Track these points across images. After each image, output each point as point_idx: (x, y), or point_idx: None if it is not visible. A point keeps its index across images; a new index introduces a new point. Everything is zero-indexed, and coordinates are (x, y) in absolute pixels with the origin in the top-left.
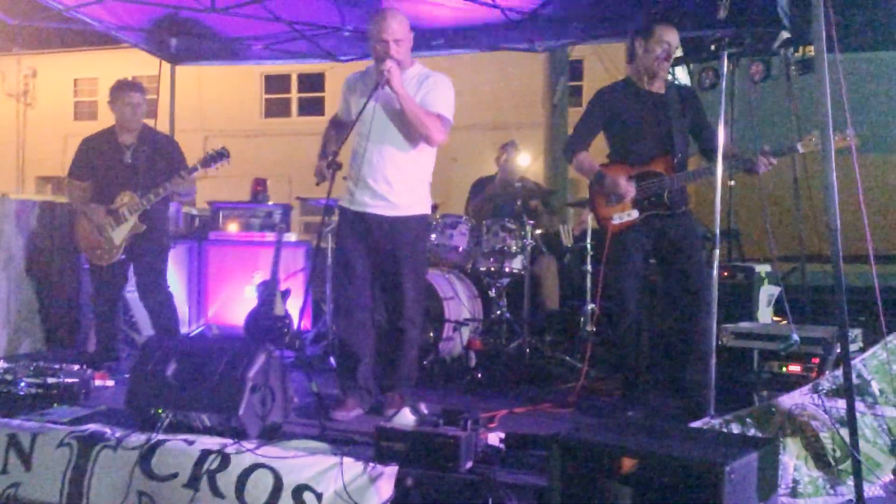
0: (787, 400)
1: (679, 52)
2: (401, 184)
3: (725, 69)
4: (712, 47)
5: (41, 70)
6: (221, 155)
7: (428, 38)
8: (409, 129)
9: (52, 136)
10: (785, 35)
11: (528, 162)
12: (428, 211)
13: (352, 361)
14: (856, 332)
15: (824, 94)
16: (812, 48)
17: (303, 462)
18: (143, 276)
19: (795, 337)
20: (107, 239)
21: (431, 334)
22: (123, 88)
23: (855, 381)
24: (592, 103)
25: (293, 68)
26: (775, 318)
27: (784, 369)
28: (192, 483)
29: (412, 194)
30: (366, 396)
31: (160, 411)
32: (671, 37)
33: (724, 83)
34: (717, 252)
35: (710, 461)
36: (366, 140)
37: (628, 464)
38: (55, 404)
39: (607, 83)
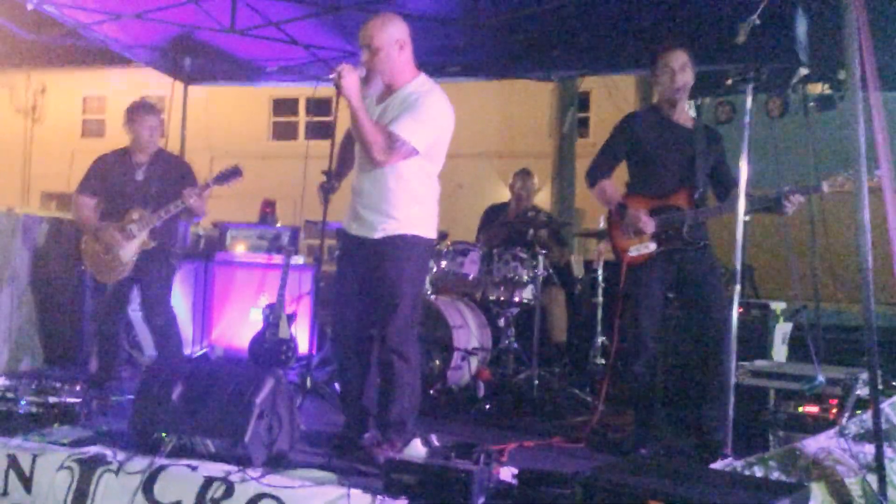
0: (813, 443)
1: None
2: (388, 203)
3: (750, 103)
4: (728, 81)
5: (50, 86)
6: (235, 172)
7: (444, 65)
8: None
9: (58, 153)
10: (803, 71)
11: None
12: (425, 234)
13: (351, 395)
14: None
15: (861, 132)
16: (828, 87)
17: (309, 492)
18: (149, 295)
19: (821, 378)
20: (114, 256)
21: (438, 362)
22: (141, 110)
23: (884, 425)
24: (617, 128)
25: (301, 92)
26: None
27: (801, 410)
28: None
29: (401, 214)
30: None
31: (164, 435)
32: (673, 59)
33: (748, 117)
34: (738, 288)
35: None
36: (358, 157)
37: None
38: (56, 424)
39: (614, 116)
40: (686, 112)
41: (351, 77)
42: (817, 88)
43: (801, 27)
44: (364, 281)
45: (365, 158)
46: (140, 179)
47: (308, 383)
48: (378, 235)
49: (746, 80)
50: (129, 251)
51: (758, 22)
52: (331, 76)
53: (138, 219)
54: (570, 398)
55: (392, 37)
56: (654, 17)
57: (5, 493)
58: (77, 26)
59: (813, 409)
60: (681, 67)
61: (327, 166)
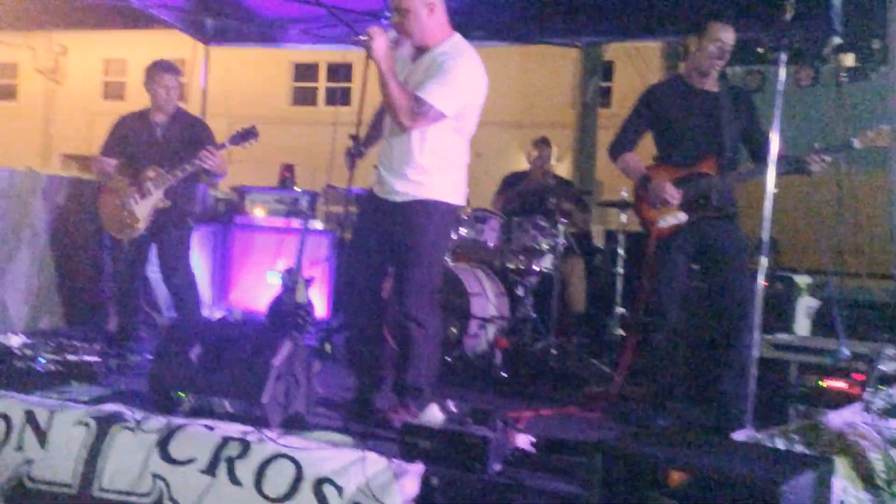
0: (837, 417)
1: None
2: (412, 166)
3: (783, 72)
4: (760, 50)
5: (72, 48)
6: (250, 133)
7: (466, 28)
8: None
9: (79, 115)
10: (836, 40)
11: (555, 161)
12: (448, 199)
13: (362, 358)
14: (893, 351)
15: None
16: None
17: (325, 454)
18: (166, 255)
19: (846, 352)
20: (129, 213)
21: (455, 330)
22: (159, 69)
23: None
24: (640, 101)
25: (322, 57)
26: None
27: (823, 384)
28: (210, 469)
29: (425, 179)
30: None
31: (182, 394)
32: (726, 34)
33: (780, 85)
34: (765, 260)
35: (765, 479)
36: (387, 121)
37: (677, 477)
38: (74, 382)
39: (638, 86)
40: (714, 79)
41: (381, 40)
42: (848, 59)
43: None
44: (382, 244)
45: (393, 122)
46: (158, 139)
47: (327, 348)
48: (399, 199)
49: (780, 49)
50: (144, 208)
51: None
52: (361, 38)
53: (154, 176)
54: (587, 368)
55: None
56: None
57: (20, 447)
58: None
59: (836, 383)
60: (728, 45)
61: (353, 132)
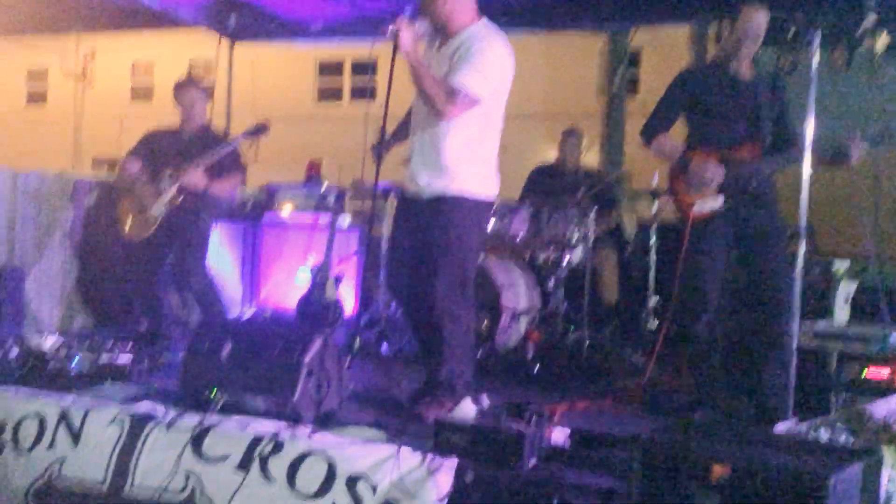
0: (883, 406)
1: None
2: (441, 160)
3: (817, 54)
4: (792, 31)
5: (99, 51)
6: (262, 128)
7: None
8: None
9: (108, 118)
10: (872, 17)
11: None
12: (479, 192)
13: (425, 355)
14: None
15: None
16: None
17: (358, 451)
18: (180, 254)
19: (893, 338)
20: (144, 213)
21: (487, 323)
22: (182, 86)
23: None
24: (673, 85)
25: (347, 53)
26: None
27: (865, 373)
28: (243, 466)
29: (454, 172)
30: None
31: (214, 393)
32: (759, 17)
33: (814, 68)
34: (803, 245)
35: (811, 472)
36: (416, 113)
37: (718, 471)
38: (108, 382)
39: (665, 74)
40: (749, 64)
41: (409, 32)
42: (882, 40)
43: None
44: (417, 240)
45: (421, 115)
46: (182, 145)
47: (357, 344)
48: (428, 195)
49: (811, 31)
50: (159, 205)
51: None
52: (389, 30)
53: (171, 173)
54: (621, 360)
55: None
56: None
57: (51, 446)
58: None
59: (880, 372)
60: (763, 27)
61: (380, 127)
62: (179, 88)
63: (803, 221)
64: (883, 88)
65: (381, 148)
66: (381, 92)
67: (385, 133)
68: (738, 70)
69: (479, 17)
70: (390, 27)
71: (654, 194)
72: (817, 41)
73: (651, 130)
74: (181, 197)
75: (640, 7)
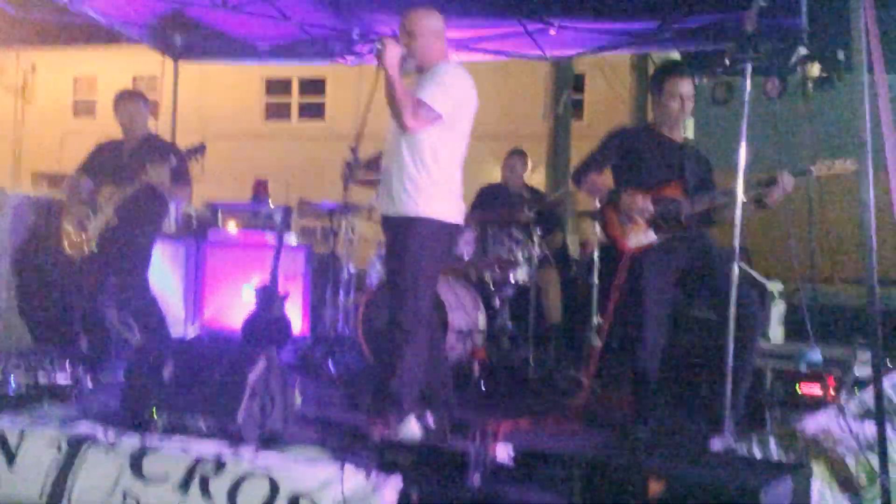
0: (812, 422)
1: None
2: (404, 184)
3: (749, 83)
4: (727, 61)
5: (41, 66)
6: (198, 149)
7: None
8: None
9: (49, 133)
10: (802, 51)
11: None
12: (438, 216)
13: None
14: (867, 355)
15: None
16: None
17: (301, 470)
18: (119, 273)
19: (817, 356)
20: (83, 231)
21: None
22: (119, 99)
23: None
24: (610, 139)
25: (295, 72)
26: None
27: (798, 389)
28: (183, 486)
29: (415, 196)
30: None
31: (155, 413)
32: (683, 88)
33: (747, 95)
34: (736, 269)
35: (744, 486)
36: (387, 140)
37: (655, 487)
38: (46, 403)
39: (608, 97)
40: (678, 130)
41: (393, 49)
42: (814, 69)
43: (804, 4)
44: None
45: (391, 141)
46: (125, 160)
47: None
48: (392, 214)
49: (745, 60)
50: (96, 225)
51: (763, 3)
52: (376, 46)
53: (108, 193)
54: (565, 378)
55: (431, 26)
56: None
57: None
58: (66, 2)
59: (811, 389)
60: (689, 96)
61: (353, 146)
62: (118, 101)
63: (737, 244)
64: (814, 117)
65: (353, 165)
66: (330, 111)
67: (357, 151)
68: (672, 135)
69: (448, 57)
70: (376, 44)
71: (595, 216)
72: (749, 71)
73: (583, 173)
74: (117, 217)
75: (580, 37)
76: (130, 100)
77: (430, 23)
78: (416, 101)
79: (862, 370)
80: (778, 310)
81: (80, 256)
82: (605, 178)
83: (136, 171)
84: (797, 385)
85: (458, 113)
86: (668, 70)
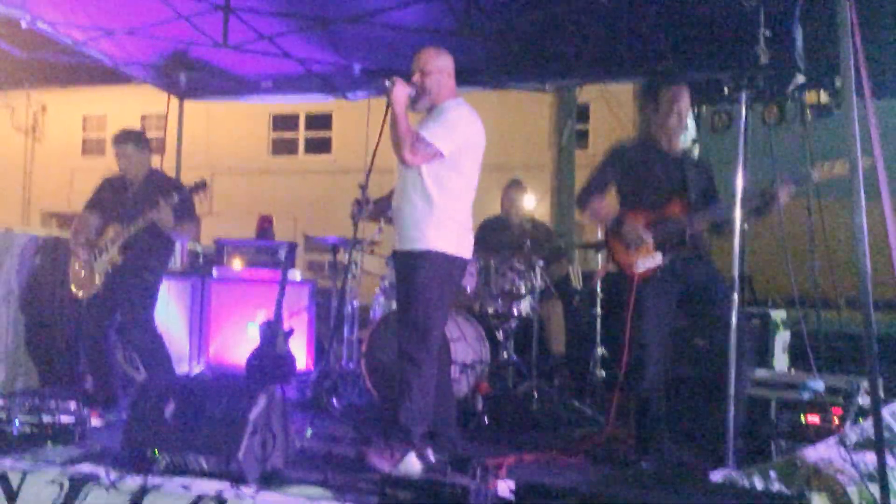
0: (813, 453)
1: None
2: (412, 219)
3: (744, 110)
4: (725, 90)
5: (50, 105)
6: (200, 186)
7: None
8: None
9: (59, 172)
10: (800, 79)
11: (533, 203)
12: (445, 250)
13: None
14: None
15: (853, 132)
16: (825, 94)
17: None
18: (124, 312)
19: (818, 385)
20: (89, 270)
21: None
22: (116, 141)
23: (884, 433)
24: (609, 157)
25: (301, 108)
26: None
27: (803, 419)
28: None
29: (422, 230)
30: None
31: (157, 453)
32: (681, 99)
33: (743, 123)
34: (736, 297)
35: None
36: (398, 178)
37: None
38: (50, 443)
39: (613, 127)
40: (676, 141)
41: (401, 89)
42: (813, 97)
43: (798, 34)
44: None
45: (400, 178)
46: (129, 198)
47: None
48: (400, 248)
49: (740, 88)
50: (101, 266)
51: (769, 34)
52: (385, 84)
53: (113, 234)
54: (569, 411)
55: (441, 65)
56: (649, 26)
57: None
58: (72, 44)
59: (816, 419)
60: (686, 108)
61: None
62: (113, 144)
63: (736, 272)
64: (814, 142)
65: (363, 202)
66: (336, 146)
67: (366, 189)
68: (670, 148)
69: (456, 95)
70: (387, 82)
71: (601, 246)
72: (744, 99)
73: (586, 196)
74: (122, 256)
75: (579, 67)
76: (125, 141)
77: (442, 62)
78: (416, 136)
79: (866, 399)
80: (782, 338)
81: (87, 296)
82: (609, 205)
83: (140, 210)
84: (802, 416)
85: (462, 151)
86: (663, 82)
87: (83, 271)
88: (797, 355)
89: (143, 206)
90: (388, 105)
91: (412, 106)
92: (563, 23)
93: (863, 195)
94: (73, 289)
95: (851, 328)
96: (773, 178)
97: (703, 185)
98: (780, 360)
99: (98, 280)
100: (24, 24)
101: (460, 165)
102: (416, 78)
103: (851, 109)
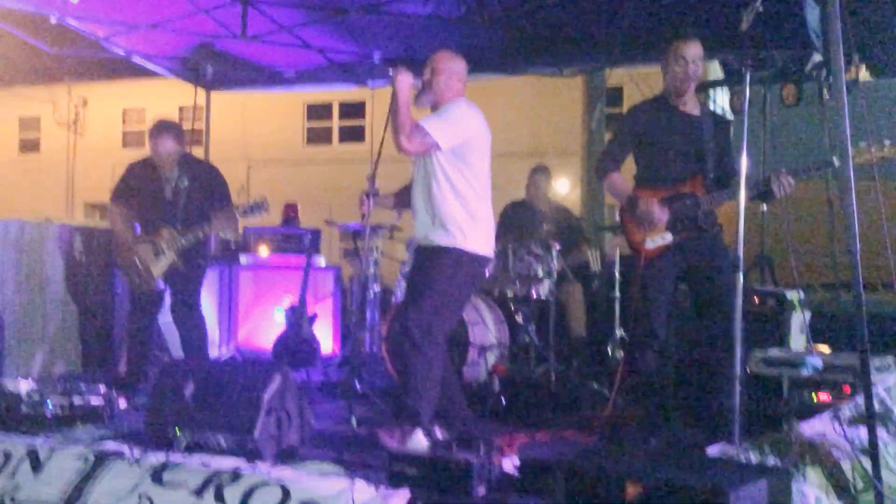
0: (807, 428)
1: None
2: (429, 217)
3: (748, 91)
4: (741, 70)
5: (91, 100)
6: (261, 207)
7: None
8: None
9: (100, 164)
10: (817, 58)
11: (566, 189)
12: (463, 247)
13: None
14: (888, 360)
15: (843, 114)
16: (854, 72)
17: (313, 482)
18: (178, 301)
19: (815, 362)
20: (145, 270)
21: (454, 358)
22: (154, 133)
23: (878, 408)
24: (623, 121)
25: (334, 96)
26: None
27: (814, 397)
28: (198, 493)
29: (440, 227)
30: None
31: (178, 431)
32: (689, 51)
33: (745, 105)
34: (741, 276)
35: (714, 488)
36: (414, 178)
37: (632, 490)
38: (79, 424)
39: None
40: (694, 100)
41: (405, 78)
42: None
43: (813, 13)
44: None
45: (419, 177)
46: (168, 197)
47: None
48: (420, 243)
49: (745, 69)
50: (159, 267)
51: (761, 9)
52: (389, 73)
53: (168, 238)
54: (588, 392)
55: (453, 67)
56: (663, 7)
57: (13, 475)
58: (99, 38)
59: (826, 396)
60: (693, 59)
61: (369, 172)
62: (152, 134)
63: (740, 251)
64: (830, 123)
65: (371, 193)
66: (370, 134)
67: (374, 181)
68: (685, 107)
69: (462, 95)
70: (391, 71)
71: (615, 229)
72: (748, 80)
73: (603, 167)
74: (181, 261)
75: (594, 51)
76: (164, 132)
77: (454, 65)
78: (414, 124)
79: (878, 376)
80: (798, 318)
81: (144, 290)
82: (625, 182)
83: (199, 224)
84: (813, 393)
85: (467, 147)
86: (678, 34)
87: (140, 269)
88: (824, 336)
89: (195, 207)
90: (394, 95)
91: (415, 100)
92: (575, 6)
93: (853, 180)
94: (132, 286)
95: (874, 308)
96: (794, 161)
97: (720, 146)
98: (797, 340)
99: (157, 279)
100: (53, 20)
101: (468, 160)
102: (425, 76)
103: (841, 90)
